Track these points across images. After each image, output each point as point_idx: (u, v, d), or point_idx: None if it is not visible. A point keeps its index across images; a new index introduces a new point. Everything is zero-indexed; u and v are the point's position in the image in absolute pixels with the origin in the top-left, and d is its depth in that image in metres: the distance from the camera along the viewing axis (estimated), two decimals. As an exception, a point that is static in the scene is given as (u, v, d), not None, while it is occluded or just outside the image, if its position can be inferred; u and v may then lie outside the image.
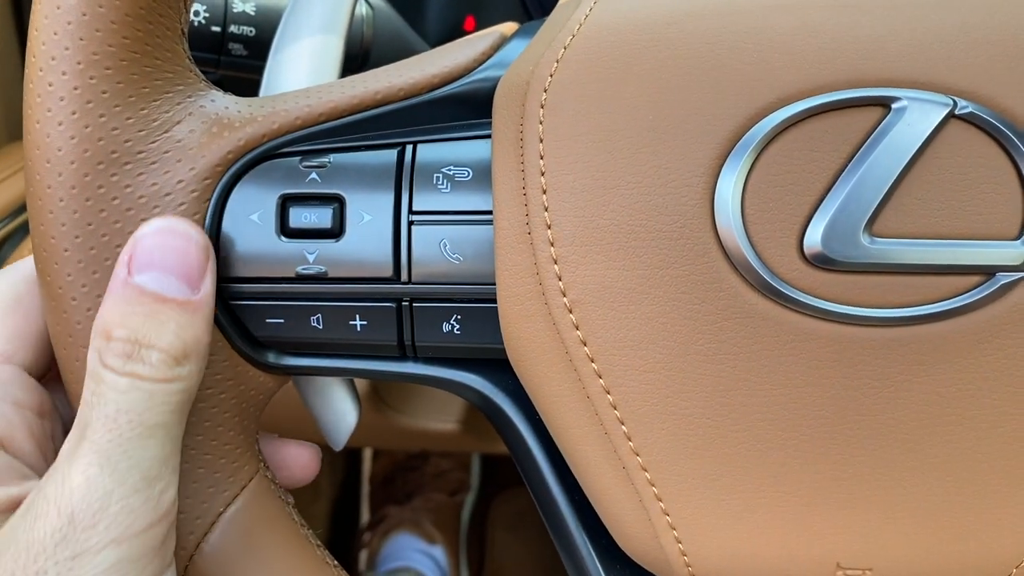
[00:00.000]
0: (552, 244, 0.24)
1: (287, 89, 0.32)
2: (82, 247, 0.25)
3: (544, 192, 0.24)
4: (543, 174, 0.24)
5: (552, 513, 0.28)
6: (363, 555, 0.96)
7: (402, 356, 0.28)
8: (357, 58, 0.41)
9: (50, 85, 0.25)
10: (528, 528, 0.96)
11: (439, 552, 0.94)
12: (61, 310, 0.26)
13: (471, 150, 0.27)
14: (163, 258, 0.25)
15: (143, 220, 0.25)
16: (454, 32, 0.68)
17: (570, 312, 0.24)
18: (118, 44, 0.25)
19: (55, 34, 0.24)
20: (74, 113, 0.25)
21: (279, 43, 0.33)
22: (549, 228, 0.24)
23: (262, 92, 0.34)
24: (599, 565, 0.27)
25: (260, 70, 0.37)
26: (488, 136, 0.27)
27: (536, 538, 0.95)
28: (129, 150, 0.25)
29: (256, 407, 0.29)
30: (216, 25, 0.40)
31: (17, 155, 0.62)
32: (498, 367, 0.28)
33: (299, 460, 0.31)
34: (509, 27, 0.30)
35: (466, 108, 0.28)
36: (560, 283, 0.24)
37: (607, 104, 0.24)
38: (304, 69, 0.33)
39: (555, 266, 0.24)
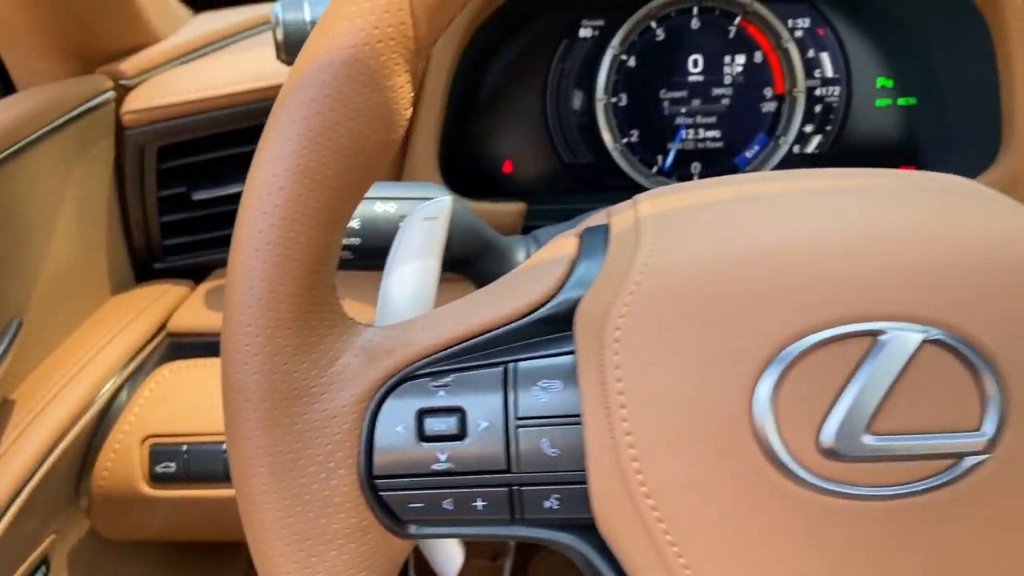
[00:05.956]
0: (631, 446, 0.32)
1: (400, 309, 0.41)
2: (272, 464, 0.33)
3: (623, 407, 0.32)
4: (620, 393, 0.32)
5: None
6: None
7: (511, 521, 0.36)
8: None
9: (246, 344, 0.33)
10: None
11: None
12: (255, 511, 0.34)
13: (559, 365, 0.35)
14: None
15: (316, 440, 0.34)
16: (496, 173, 0.76)
17: (648, 498, 0.32)
18: (295, 311, 0.33)
19: (249, 307, 0.33)
20: (265, 364, 0.33)
21: (390, 267, 0.42)
22: (628, 435, 0.32)
23: (378, 310, 0.42)
24: None
25: (365, 268, 0.46)
26: (570, 352, 0.35)
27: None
28: (304, 386, 0.34)
29: (397, 565, 0.37)
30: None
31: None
32: (591, 529, 0.35)
33: None
34: (567, 242, 0.38)
35: (552, 326, 0.36)
36: (639, 476, 0.32)
37: (667, 337, 0.32)
38: (409, 292, 0.41)
39: (634, 462, 0.32)
